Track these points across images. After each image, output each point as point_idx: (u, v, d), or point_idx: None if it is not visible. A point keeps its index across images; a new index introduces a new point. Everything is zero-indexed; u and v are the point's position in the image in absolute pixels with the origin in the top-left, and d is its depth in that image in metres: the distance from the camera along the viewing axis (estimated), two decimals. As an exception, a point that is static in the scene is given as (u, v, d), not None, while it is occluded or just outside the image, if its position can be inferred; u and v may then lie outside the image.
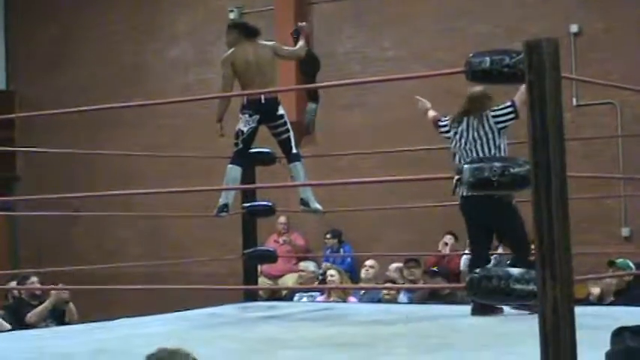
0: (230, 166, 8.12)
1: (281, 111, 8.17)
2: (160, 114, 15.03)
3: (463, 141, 7.26)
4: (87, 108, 8.34)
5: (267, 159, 8.82)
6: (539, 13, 12.55)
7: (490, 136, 7.16)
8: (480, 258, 7.24)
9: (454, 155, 7.37)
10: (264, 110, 8.03)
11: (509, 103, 7.28)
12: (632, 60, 11.89)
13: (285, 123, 8.19)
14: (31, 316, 9.82)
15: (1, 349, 6.61)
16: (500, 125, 7.20)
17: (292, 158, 8.24)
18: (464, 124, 7.31)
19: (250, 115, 7.99)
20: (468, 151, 7.19)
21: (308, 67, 11.83)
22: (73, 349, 6.39)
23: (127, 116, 15.25)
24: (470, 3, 13.16)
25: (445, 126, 7.57)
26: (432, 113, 7.95)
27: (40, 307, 9.89)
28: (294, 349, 6.14)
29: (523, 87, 7.20)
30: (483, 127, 7.19)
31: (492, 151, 7.11)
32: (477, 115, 7.24)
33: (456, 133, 7.35)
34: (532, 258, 7.17)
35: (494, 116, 7.23)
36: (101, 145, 14.27)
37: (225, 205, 8.19)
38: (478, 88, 7.27)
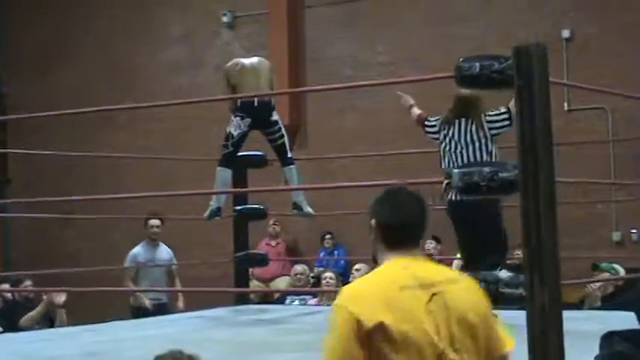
0: (219, 168, 8.10)
1: (275, 116, 8.14)
2: (152, 117, 15.04)
3: (453, 144, 6.93)
4: (78, 110, 8.33)
5: (258, 162, 8.83)
6: (532, 18, 12.59)
7: (483, 141, 6.83)
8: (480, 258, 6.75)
9: (442, 158, 7.02)
10: (257, 114, 8.00)
11: (504, 110, 6.89)
12: (623, 65, 11.93)
13: (280, 129, 8.16)
14: (24, 320, 9.81)
15: (-8, 351, 6.62)
16: (493, 132, 6.86)
17: (286, 162, 8.23)
18: (455, 127, 6.94)
19: (242, 119, 7.95)
20: (459, 155, 6.88)
21: None
22: (64, 352, 6.39)
23: (119, 119, 15.26)
24: (462, 8, 13.18)
25: (433, 126, 7.19)
26: (416, 110, 7.55)
27: (32, 312, 9.87)
28: (285, 352, 6.15)
29: None
30: (477, 131, 6.86)
31: (484, 157, 6.81)
32: (470, 118, 6.90)
33: (446, 135, 6.99)
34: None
35: (488, 121, 6.88)
36: (94, 148, 14.26)
37: (218, 209, 8.18)
38: (468, 90, 6.78)
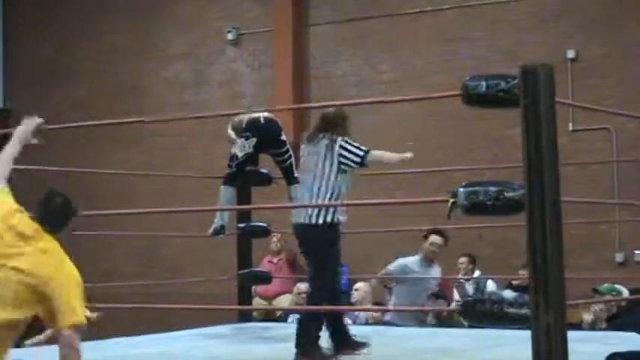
0: (223, 186, 8.06)
1: (284, 136, 8.09)
2: (155, 133, 15.03)
3: (304, 159, 6.81)
4: (81, 124, 8.32)
5: (263, 179, 8.80)
6: (537, 38, 12.58)
7: (327, 162, 6.60)
8: (324, 287, 6.82)
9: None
10: (264, 132, 7.93)
11: (364, 149, 6.70)
12: (628, 86, 11.92)
13: (288, 149, 8.10)
14: (30, 342, 9.78)
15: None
16: (341, 159, 6.60)
17: (292, 181, 8.19)
18: (310, 143, 6.78)
19: (247, 139, 7.86)
20: (302, 172, 6.83)
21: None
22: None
23: (122, 135, 15.25)
24: (467, 27, 13.18)
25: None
26: None
27: (36, 338, 9.84)
28: (287, 370, 6.14)
29: (400, 155, 6.85)
30: (325, 149, 6.64)
31: (322, 176, 6.61)
32: (326, 136, 6.70)
33: (303, 150, 6.85)
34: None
35: (341, 146, 6.64)
36: (97, 164, 14.24)
37: (222, 227, 8.14)
38: (333, 109, 6.87)
